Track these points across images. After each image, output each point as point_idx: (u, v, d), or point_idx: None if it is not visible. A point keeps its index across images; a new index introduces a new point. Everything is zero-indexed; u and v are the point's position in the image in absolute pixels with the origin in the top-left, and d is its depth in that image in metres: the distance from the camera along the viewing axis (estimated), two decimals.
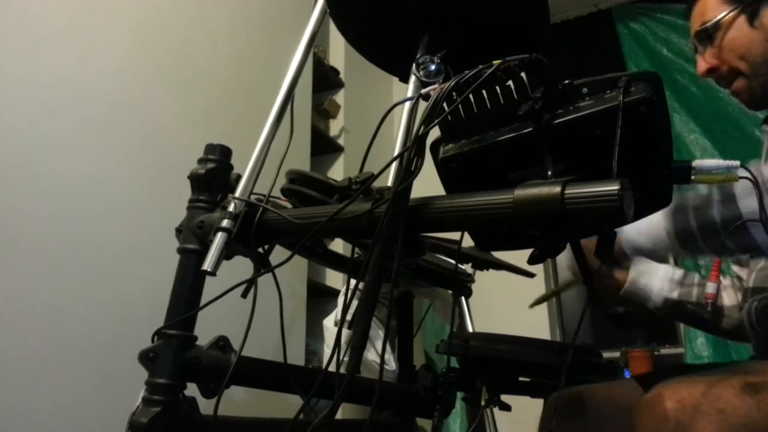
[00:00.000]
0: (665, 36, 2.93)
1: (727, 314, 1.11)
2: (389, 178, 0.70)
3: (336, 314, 1.68)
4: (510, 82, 0.60)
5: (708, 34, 1.07)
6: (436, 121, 0.61)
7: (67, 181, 1.39)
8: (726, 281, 1.13)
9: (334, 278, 2.48)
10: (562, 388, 0.72)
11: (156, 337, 0.73)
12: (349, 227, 0.68)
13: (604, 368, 0.92)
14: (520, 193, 0.54)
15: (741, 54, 1.03)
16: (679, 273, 1.14)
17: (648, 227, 0.86)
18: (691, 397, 0.72)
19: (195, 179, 0.83)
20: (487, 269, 1.22)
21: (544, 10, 0.86)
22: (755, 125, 2.32)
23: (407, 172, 0.60)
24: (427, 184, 0.72)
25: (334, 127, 2.82)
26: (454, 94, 0.62)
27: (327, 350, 1.81)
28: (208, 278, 0.76)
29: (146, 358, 0.71)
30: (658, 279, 1.12)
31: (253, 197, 0.78)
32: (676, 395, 0.73)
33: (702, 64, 1.10)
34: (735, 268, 1.14)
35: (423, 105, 0.65)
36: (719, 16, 1.04)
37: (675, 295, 1.11)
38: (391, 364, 1.40)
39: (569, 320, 2.78)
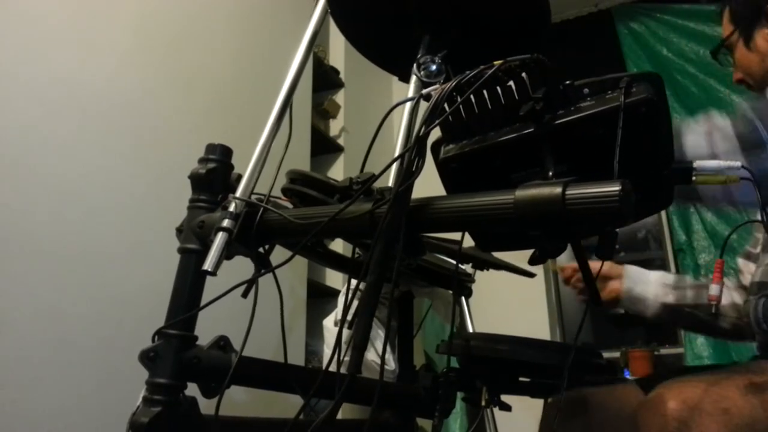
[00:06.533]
0: (665, 36, 2.93)
1: (724, 313, 1.12)
2: (390, 179, 0.70)
3: (336, 314, 1.68)
4: (511, 83, 0.60)
5: (727, 50, 1.15)
6: (437, 121, 0.61)
7: (67, 181, 1.39)
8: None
9: (334, 278, 2.48)
10: (563, 389, 0.72)
11: (156, 337, 0.73)
12: (350, 227, 0.68)
13: (604, 368, 0.92)
14: (521, 193, 0.54)
15: (746, 72, 1.12)
16: (671, 277, 1.17)
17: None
18: (695, 397, 0.72)
19: (195, 179, 0.83)
20: (488, 269, 1.22)
21: (545, 11, 0.86)
22: None
23: (408, 173, 0.60)
24: (428, 184, 0.72)
25: (334, 127, 2.82)
26: (455, 94, 0.62)
27: (327, 350, 1.81)
28: (208, 278, 0.76)
29: (146, 358, 0.71)
30: (651, 286, 1.15)
31: (253, 197, 0.78)
32: (680, 395, 0.73)
33: (734, 74, 1.17)
34: (740, 261, 1.15)
35: (424, 105, 0.65)
36: (726, 37, 1.13)
37: (671, 299, 1.14)
38: (391, 364, 1.40)
39: (569, 320, 2.78)
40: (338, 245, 1.33)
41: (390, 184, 0.68)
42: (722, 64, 1.18)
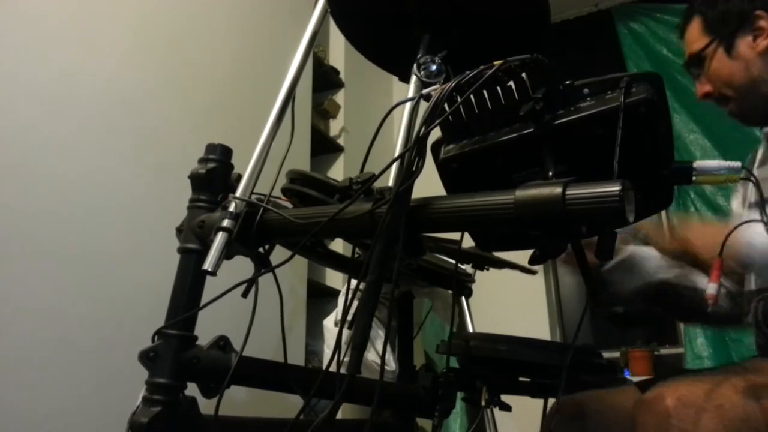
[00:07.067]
0: (665, 36, 2.93)
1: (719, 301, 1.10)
2: (390, 179, 0.70)
3: (336, 314, 1.68)
4: (511, 83, 0.60)
5: (696, 64, 1.12)
6: (437, 121, 0.61)
7: (67, 181, 1.39)
8: None
9: (334, 278, 2.48)
10: (562, 389, 0.72)
11: (156, 337, 0.73)
12: (350, 227, 0.68)
13: (604, 368, 0.92)
14: (521, 193, 0.54)
15: (726, 82, 1.08)
16: (670, 260, 1.11)
17: None
18: (691, 395, 0.72)
19: (195, 179, 0.83)
20: (488, 268, 1.22)
21: (545, 11, 0.86)
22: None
23: (408, 173, 0.60)
24: (428, 184, 0.72)
25: (334, 127, 2.82)
26: (455, 94, 0.62)
27: (327, 350, 1.81)
28: (208, 278, 0.76)
29: (146, 357, 0.71)
30: (654, 260, 1.08)
31: (253, 197, 0.78)
32: (676, 393, 0.73)
33: (699, 88, 1.15)
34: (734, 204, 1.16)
35: (424, 105, 0.65)
36: (701, 48, 1.09)
37: (672, 274, 1.07)
38: (391, 364, 1.40)
39: (569, 320, 2.78)
40: (338, 245, 1.33)
41: (390, 184, 0.68)
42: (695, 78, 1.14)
